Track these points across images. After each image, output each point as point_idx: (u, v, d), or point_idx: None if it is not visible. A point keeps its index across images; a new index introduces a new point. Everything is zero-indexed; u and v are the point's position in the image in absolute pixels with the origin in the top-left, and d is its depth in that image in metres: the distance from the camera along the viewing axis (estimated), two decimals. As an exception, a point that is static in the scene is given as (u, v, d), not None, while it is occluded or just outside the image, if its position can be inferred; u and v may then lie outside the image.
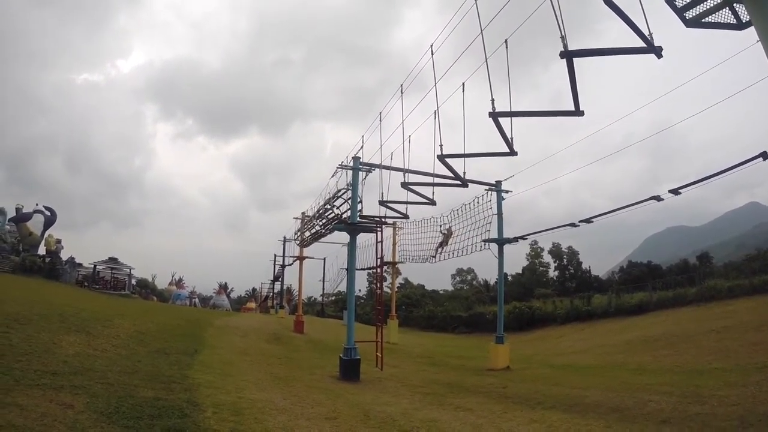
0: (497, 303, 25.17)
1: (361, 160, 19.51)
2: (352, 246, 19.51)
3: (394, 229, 32.22)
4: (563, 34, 8.82)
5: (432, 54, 14.31)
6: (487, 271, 74.57)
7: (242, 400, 10.42)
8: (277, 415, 9.59)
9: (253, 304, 65.23)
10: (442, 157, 13.89)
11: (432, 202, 18.70)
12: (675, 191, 17.00)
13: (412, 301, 67.12)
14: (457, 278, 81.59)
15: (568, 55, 8.86)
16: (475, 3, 11.67)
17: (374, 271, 23.69)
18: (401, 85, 16.84)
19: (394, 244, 33.43)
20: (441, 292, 76.77)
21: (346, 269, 21.94)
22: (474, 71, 12.48)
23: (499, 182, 23.87)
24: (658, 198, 17.51)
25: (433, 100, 14.38)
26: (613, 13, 8.00)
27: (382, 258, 20.23)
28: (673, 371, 18.83)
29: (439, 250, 24.82)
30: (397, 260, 33.91)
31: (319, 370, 18.29)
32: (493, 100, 11.13)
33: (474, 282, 79.07)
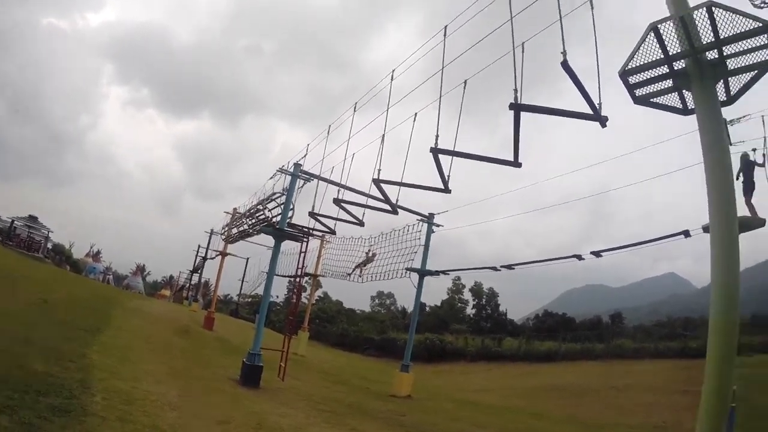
0: (410, 331, 24.92)
1: (301, 167, 19.20)
2: (276, 251, 19.17)
3: (322, 242, 31.84)
4: (517, 86, 8.90)
5: (392, 79, 14.14)
6: (406, 298, 74.64)
7: (136, 390, 10.00)
8: (169, 411, 9.24)
9: (167, 292, 63.57)
10: (377, 181, 13.78)
11: (360, 223, 18.48)
12: (596, 253, 17.74)
13: (327, 316, 66.44)
14: (377, 301, 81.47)
15: (516, 108, 8.98)
16: (444, 38, 11.66)
17: (294, 279, 23.35)
18: (355, 103, 16.60)
19: (319, 256, 32.92)
20: (358, 311, 76.23)
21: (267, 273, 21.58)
22: (427, 104, 12.45)
23: (431, 215, 23.93)
24: (579, 257, 18.20)
25: (390, 122, 14.27)
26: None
27: (302, 269, 19.98)
28: (570, 422, 19.22)
29: (357, 270, 24.88)
30: (318, 273, 33.44)
31: (222, 370, 17.75)
32: (437, 136, 11.17)
33: (392, 307, 79.18)
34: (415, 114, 13.45)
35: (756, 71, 6.74)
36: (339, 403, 16.87)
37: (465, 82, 11.37)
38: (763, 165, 15.22)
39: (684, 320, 50.72)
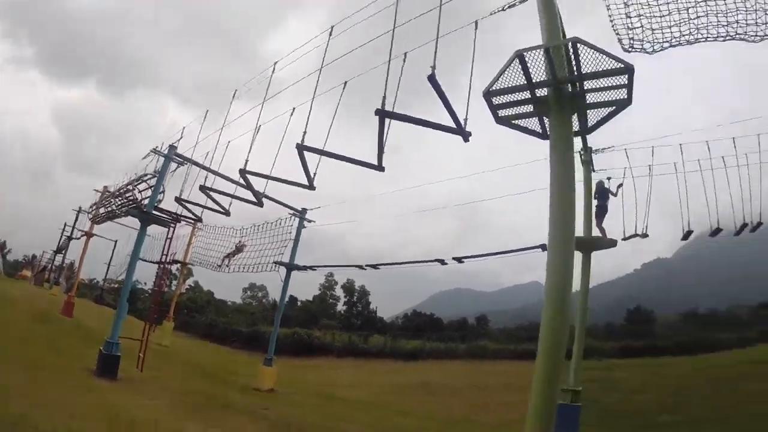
0: (275, 325, 24.69)
1: (176, 150, 18.60)
2: (141, 234, 18.63)
3: (193, 229, 30.96)
4: (385, 93, 9.15)
5: (272, 71, 14.21)
6: (279, 291, 73.87)
7: (-19, 380, 9.36)
8: (18, 398, 8.78)
9: (28, 273, 59.47)
10: (243, 172, 13.55)
11: (226, 213, 17.99)
12: (458, 259, 19.00)
13: (196, 306, 64.23)
14: (248, 293, 79.88)
15: (382, 114, 9.22)
16: (329, 38, 11.81)
17: (160, 266, 22.62)
18: (235, 91, 16.31)
19: (189, 244, 32.20)
20: (229, 303, 74.47)
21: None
22: (303, 102, 12.36)
23: (304, 210, 23.92)
24: (442, 261, 19.36)
25: (280, 117, 14.07)
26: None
27: (167, 255, 19.71)
28: (432, 417, 19.92)
29: (226, 260, 24.81)
30: (188, 261, 32.83)
31: (78, 361, 16.89)
32: (305, 133, 11.21)
33: (264, 300, 77.92)
34: (293, 109, 13.27)
35: (614, 107, 7.27)
36: (200, 395, 16.56)
37: (345, 83, 11.53)
38: (615, 194, 16.86)
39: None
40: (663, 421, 18.06)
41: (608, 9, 8.34)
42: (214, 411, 14.08)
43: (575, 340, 15.64)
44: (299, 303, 67.63)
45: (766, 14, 8.11)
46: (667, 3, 8.22)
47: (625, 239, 16.96)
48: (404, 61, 9.48)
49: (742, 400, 19.82)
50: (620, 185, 16.85)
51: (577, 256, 15.82)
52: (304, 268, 23.93)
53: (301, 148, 11.21)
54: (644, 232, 16.76)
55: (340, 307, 70.03)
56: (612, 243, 16.05)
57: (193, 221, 21.25)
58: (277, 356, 22.90)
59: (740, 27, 8.20)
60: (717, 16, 8.22)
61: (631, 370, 31.16)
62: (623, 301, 67.40)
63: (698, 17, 8.23)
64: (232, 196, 16.39)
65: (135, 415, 10.84)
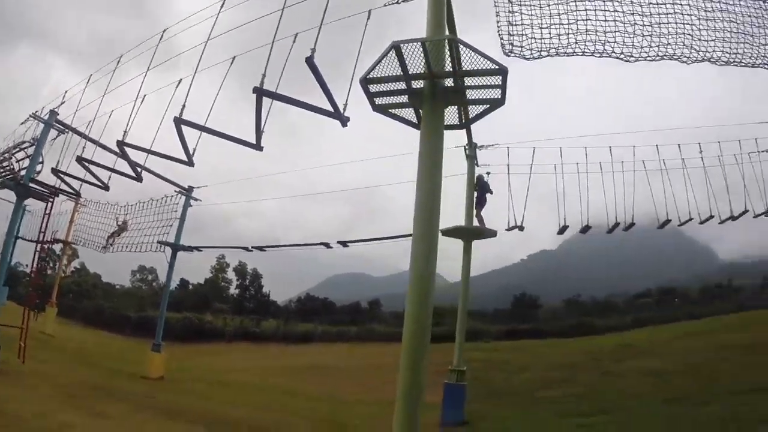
0: (161, 309, 24.21)
1: (57, 116, 17.51)
2: (17, 209, 17.65)
3: (76, 205, 29.13)
4: (265, 72, 9.18)
5: (160, 39, 13.47)
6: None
7: None
8: None
9: None
10: (120, 144, 12.85)
11: (105, 187, 16.71)
12: (343, 243, 19.51)
13: (82, 290, 60.66)
14: (137, 275, 76.35)
15: (259, 92, 9.18)
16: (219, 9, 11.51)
17: (38, 245, 21.29)
18: (120, 56, 15.36)
19: (72, 221, 30.11)
20: (117, 286, 71.03)
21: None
22: (193, 74, 11.83)
23: (190, 187, 23.20)
24: (327, 245, 20.04)
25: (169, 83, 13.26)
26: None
27: (44, 233, 18.74)
28: (321, 399, 20.17)
29: (110, 240, 23.70)
30: (70, 240, 30.85)
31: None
32: (184, 106, 10.87)
33: (154, 283, 74.74)
34: (180, 80, 12.43)
35: (488, 105, 7.57)
36: (87, 386, 16.10)
37: (233, 58, 11.38)
38: (492, 192, 17.83)
39: (435, 309, 55.20)
40: (541, 396, 19.18)
41: (497, 15, 8.75)
42: (101, 402, 13.70)
43: (458, 323, 16.32)
44: (191, 286, 65.87)
45: (641, 37, 8.82)
46: (549, 16, 8.73)
47: (508, 230, 18.02)
48: (294, 41, 9.48)
49: (614, 378, 21.65)
50: (488, 173, 17.84)
51: (460, 245, 16.60)
52: (190, 248, 23.40)
53: (179, 122, 10.83)
54: (521, 224, 17.91)
55: (233, 290, 68.73)
56: (492, 233, 16.91)
57: (72, 196, 20.04)
58: (167, 342, 22.46)
59: (616, 46, 8.85)
60: (595, 34, 8.82)
61: (516, 352, 32.72)
62: (510, 289, 70.38)
63: (577, 32, 8.80)
64: (111, 170, 15.33)
65: (18, 409, 10.45)
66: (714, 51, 9.26)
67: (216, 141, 11.34)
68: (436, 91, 7.10)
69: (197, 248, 23.72)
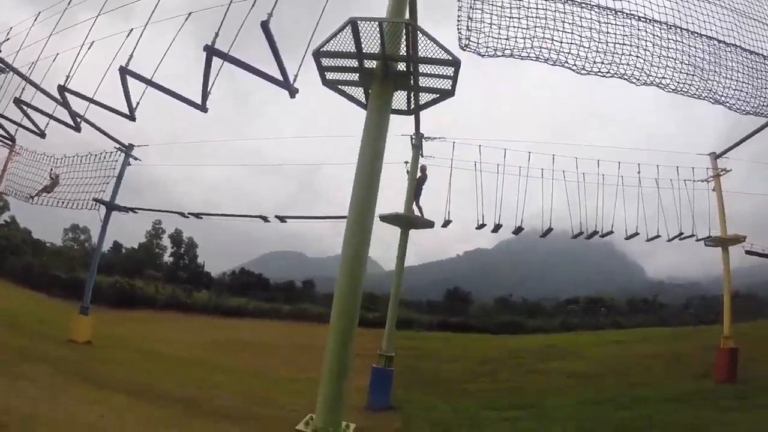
0: (92, 271, 23.34)
1: None
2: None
3: (11, 152, 27.64)
4: (218, 32, 9.08)
5: None
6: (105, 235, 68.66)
7: None
8: None
9: None
10: (62, 89, 12.40)
11: (41, 134, 16.26)
12: (281, 218, 19.71)
13: (10, 245, 57.56)
14: (70, 234, 73.22)
15: (209, 51, 9.02)
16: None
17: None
18: None
19: (5, 169, 28.29)
20: (48, 244, 67.86)
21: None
22: (145, 24, 11.47)
23: (131, 145, 22.48)
24: (265, 219, 20.34)
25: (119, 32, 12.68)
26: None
27: None
28: (251, 375, 20.11)
29: (42, 194, 22.79)
30: (1, 190, 29.15)
31: None
32: (131, 56, 10.58)
33: (86, 244, 71.84)
34: (131, 30, 12.02)
35: (438, 95, 7.71)
36: (8, 349, 15.57)
37: (189, 14, 11.16)
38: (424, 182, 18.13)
39: (369, 295, 55.77)
40: (467, 388, 19.71)
41: (459, 9, 8.84)
42: (24, 365, 13.22)
43: (389, 309, 16.49)
44: (124, 250, 64.17)
45: (595, 52, 9.07)
46: (509, 17, 8.88)
47: (444, 225, 18.44)
48: (253, 5, 9.34)
49: (538, 376, 22.45)
50: (423, 166, 18.07)
51: (397, 232, 16.80)
52: (125, 209, 22.68)
53: (124, 72, 10.51)
54: (448, 218, 18.29)
55: (167, 258, 67.27)
56: (429, 223, 17.14)
57: (5, 141, 19.09)
58: (96, 306, 21.84)
59: (570, 57, 9.07)
60: (552, 42, 9.02)
61: (446, 343, 33.57)
62: (444, 282, 71.59)
63: (534, 38, 8.99)
64: (50, 116, 14.76)
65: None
66: (663, 77, 9.60)
67: (163, 102, 11.09)
68: (388, 72, 7.11)
69: (132, 209, 23.03)
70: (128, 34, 11.95)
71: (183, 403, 12.56)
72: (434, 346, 31.51)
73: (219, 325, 37.96)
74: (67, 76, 12.37)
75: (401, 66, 7.29)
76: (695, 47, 9.93)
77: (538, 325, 45.46)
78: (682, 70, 9.79)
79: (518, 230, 19.31)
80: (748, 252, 21.36)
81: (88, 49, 13.20)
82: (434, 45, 6.99)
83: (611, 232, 19.98)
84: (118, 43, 11.67)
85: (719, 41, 10.18)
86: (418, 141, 17.67)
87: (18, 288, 44.68)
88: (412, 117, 15.33)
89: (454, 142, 17.98)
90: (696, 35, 9.97)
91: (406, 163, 18.10)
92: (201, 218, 21.37)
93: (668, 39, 9.72)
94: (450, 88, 7.52)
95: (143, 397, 12.47)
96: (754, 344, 21.40)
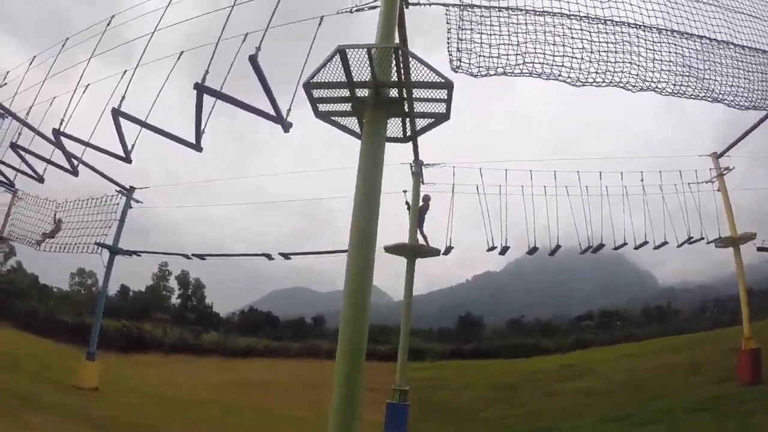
0: (97, 315, 23.20)
1: None
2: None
3: (13, 197, 27.56)
4: (208, 69, 8.97)
5: (107, 25, 13.06)
6: (111, 279, 68.24)
7: None
8: None
9: None
10: (57, 133, 12.30)
11: (40, 179, 15.91)
12: (285, 255, 19.51)
13: (15, 290, 56.98)
14: (76, 279, 72.88)
15: (199, 89, 8.91)
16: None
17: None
18: (66, 39, 14.74)
19: (8, 215, 28.19)
20: (55, 289, 67.43)
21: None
22: (145, 63, 11.59)
23: (132, 188, 22.41)
24: (269, 256, 20.16)
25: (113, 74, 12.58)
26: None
27: None
28: (258, 416, 19.73)
29: (45, 239, 22.72)
30: (6, 235, 28.88)
31: None
32: (123, 97, 10.50)
33: (93, 288, 71.60)
34: (124, 71, 11.91)
35: (433, 119, 7.45)
36: (14, 396, 15.28)
37: (180, 53, 11.07)
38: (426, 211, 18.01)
39: (380, 327, 55.27)
40: (484, 416, 19.27)
41: (448, 32, 8.74)
42: (29, 413, 12.97)
43: (400, 342, 16.23)
44: (131, 293, 63.85)
45: (588, 63, 8.98)
46: (499, 35, 8.79)
47: (445, 253, 18.22)
48: (243, 41, 9.29)
49: (556, 397, 22.11)
50: (426, 196, 17.95)
51: (403, 262, 16.58)
52: (127, 252, 22.53)
53: (117, 114, 10.41)
54: (449, 245, 18.19)
55: (175, 300, 66.99)
56: (435, 251, 16.96)
57: (5, 186, 19.01)
58: (103, 350, 21.55)
59: (564, 70, 8.96)
60: (544, 56, 8.92)
61: (460, 371, 33.08)
62: (454, 309, 71.05)
63: (525, 53, 8.90)
64: (47, 161, 14.56)
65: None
66: (660, 81, 9.64)
67: (160, 143, 10.95)
68: (379, 99, 6.92)
69: (135, 253, 22.87)
70: (122, 76, 11.88)
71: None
72: (447, 375, 31.03)
73: (228, 366, 37.59)
74: (62, 120, 12.30)
75: (393, 92, 7.05)
76: (688, 48, 10.01)
77: (552, 344, 44.63)
78: (678, 72, 9.86)
79: (533, 250, 19.31)
80: (760, 249, 21.33)
81: (84, 91, 13.20)
82: (426, 69, 6.78)
83: (625, 244, 19.81)
84: (113, 86, 11.60)
85: (711, 39, 10.24)
86: (418, 168, 17.56)
87: (22, 333, 44.27)
88: (410, 145, 15.33)
89: (454, 167, 17.88)
90: (687, 36, 10.02)
91: (405, 192, 18.07)
92: (205, 259, 21.22)
93: (660, 42, 9.79)
94: (444, 111, 7.27)
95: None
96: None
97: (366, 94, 7.08)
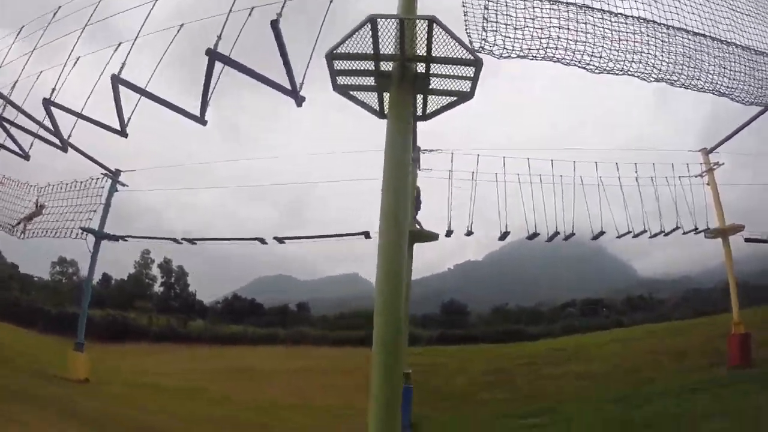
0: (84, 304, 22.52)
1: None
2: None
3: None
4: (220, 35, 8.68)
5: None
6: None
7: None
8: None
9: None
10: (48, 103, 11.74)
11: (25, 156, 15.27)
12: (279, 239, 19.18)
13: None
14: (57, 268, 71.39)
15: (212, 55, 8.56)
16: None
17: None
18: (58, 7, 13.71)
19: None
20: (36, 279, 66.23)
21: None
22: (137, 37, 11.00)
23: (118, 171, 21.73)
24: (262, 240, 19.77)
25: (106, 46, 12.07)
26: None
27: None
28: (247, 405, 19.44)
29: (23, 224, 21.87)
30: None
31: None
32: (123, 64, 10.04)
33: (75, 277, 70.18)
34: (119, 44, 11.49)
35: (455, 98, 7.08)
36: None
37: (181, 26, 10.64)
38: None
39: (366, 315, 55.11)
40: (481, 399, 19.39)
41: (464, 7, 8.50)
42: (15, 406, 12.39)
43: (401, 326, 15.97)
44: (113, 281, 63.06)
45: (608, 50, 8.92)
46: (523, 19, 8.63)
47: (447, 235, 18.75)
48: (249, 15, 8.95)
49: (551, 381, 22.24)
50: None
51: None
52: (114, 237, 21.90)
53: (117, 81, 9.94)
54: (470, 230, 18.20)
55: (157, 288, 66.33)
56: (433, 236, 16.83)
57: None
58: (89, 340, 21.01)
59: (585, 56, 8.89)
60: (567, 42, 8.79)
61: (451, 356, 33.18)
62: (437, 296, 71.41)
63: (549, 38, 8.77)
64: (34, 135, 13.98)
65: None
66: (674, 73, 9.88)
67: (152, 124, 10.52)
68: (407, 75, 6.54)
69: (122, 237, 22.25)
70: (116, 48, 11.43)
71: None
72: (439, 360, 31.03)
73: (217, 354, 37.30)
74: (53, 89, 11.75)
75: (420, 67, 6.70)
76: (699, 44, 10.23)
77: (540, 330, 45.22)
78: (690, 65, 10.04)
79: (533, 236, 19.69)
80: (747, 239, 21.83)
81: (74, 64, 12.56)
82: (452, 44, 6.46)
83: (603, 233, 20.71)
84: (104, 59, 11.12)
85: (721, 41, 10.55)
86: (416, 154, 17.15)
87: (5, 324, 43.36)
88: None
89: (452, 153, 17.78)
90: (700, 36, 10.25)
91: None
92: (195, 244, 20.77)
93: (674, 39, 9.96)
94: (469, 90, 6.93)
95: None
96: (762, 329, 21.13)
97: (391, 69, 6.70)
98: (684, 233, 21.11)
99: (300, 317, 57.04)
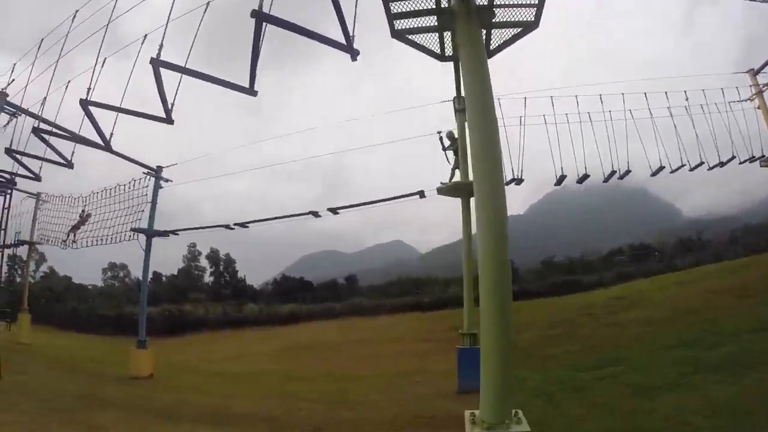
0: (142, 302, 22.69)
1: (8, 98, 15.58)
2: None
3: (37, 201, 27.37)
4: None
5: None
6: (140, 268, 68.48)
7: None
8: None
9: None
10: (85, 103, 11.51)
11: (69, 164, 15.15)
12: (333, 210, 18.72)
13: (54, 294, 58.13)
14: (109, 273, 73.51)
15: (258, 16, 8.05)
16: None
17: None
18: (76, 11, 13.51)
19: (35, 219, 28.25)
20: (90, 287, 68.22)
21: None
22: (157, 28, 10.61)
23: (159, 168, 21.70)
24: (316, 214, 19.29)
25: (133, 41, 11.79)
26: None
27: (5, 231, 17.41)
28: (320, 379, 19.49)
29: (71, 234, 22.48)
30: (35, 240, 28.79)
31: None
32: (161, 46, 9.66)
33: (126, 279, 72.05)
34: (145, 36, 11.13)
35: (520, 29, 6.67)
36: (71, 396, 14.70)
37: (207, 3, 10.10)
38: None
39: (414, 280, 55.27)
40: (550, 353, 19.10)
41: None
42: (91, 412, 12.46)
43: (464, 285, 15.71)
44: (164, 279, 64.40)
45: None
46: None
47: (518, 183, 18.14)
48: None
49: (615, 329, 21.74)
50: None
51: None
52: (165, 233, 22.02)
53: (157, 64, 9.49)
54: (520, 177, 17.58)
55: (208, 278, 67.66)
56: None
57: (31, 179, 18.37)
58: (150, 337, 21.21)
59: None
60: None
61: (513, 313, 32.53)
62: (480, 254, 70.97)
63: None
64: (75, 137, 13.72)
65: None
66: None
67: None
68: (470, 9, 5.95)
69: (173, 232, 22.36)
70: (143, 40, 11.11)
71: (266, 421, 11.88)
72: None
73: (276, 335, 37.69)
74: (88, 89, 11.57)
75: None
76: None
77: (594, 280, 44.09)
78: None
79: (583, 178, 18.97)
80: None
81: (103, 64, 12.36)
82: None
83: (662, 168, 19.68)
84: (132, 58, 10.90)
85: None
86: (462, 104, 15.79)
87: (68, 333, 44.34)
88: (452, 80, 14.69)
89: (499, 99, 16.97)
90: None
91: (439, 133, 17.49)
92: (248, 227, 20.67)
93: None
94: (533, 19, 6.51)
95: (223, 422, 11.84)
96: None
97: (451, 5, 6.24)
98: (740, 163, 20.05)
99: (351, 289, 57.66)
